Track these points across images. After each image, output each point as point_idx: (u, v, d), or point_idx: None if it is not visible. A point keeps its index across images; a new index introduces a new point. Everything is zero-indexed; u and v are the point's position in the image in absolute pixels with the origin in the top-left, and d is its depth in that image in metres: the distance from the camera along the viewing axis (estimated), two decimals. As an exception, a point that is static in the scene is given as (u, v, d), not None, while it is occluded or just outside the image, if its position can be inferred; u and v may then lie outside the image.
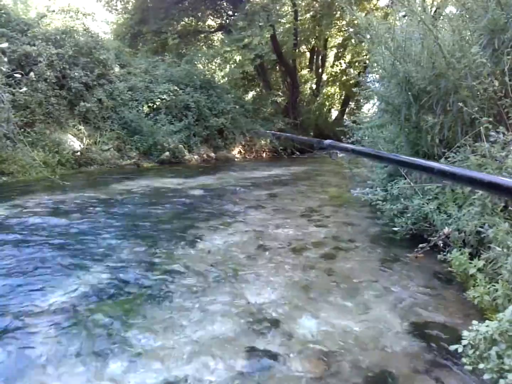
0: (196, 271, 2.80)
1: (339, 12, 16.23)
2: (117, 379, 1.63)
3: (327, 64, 21.63)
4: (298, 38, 16.79)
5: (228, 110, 12.66)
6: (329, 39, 19.99)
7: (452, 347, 1.63)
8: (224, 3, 17.10)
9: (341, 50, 21.32)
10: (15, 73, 7.70)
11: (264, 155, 14.39)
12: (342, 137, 5.73)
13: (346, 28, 17.87)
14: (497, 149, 2.53)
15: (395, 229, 3.42)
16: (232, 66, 15.58)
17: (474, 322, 1.62)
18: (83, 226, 3.89)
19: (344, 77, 21.06)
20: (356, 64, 19.04)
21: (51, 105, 8.58)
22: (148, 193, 5.98)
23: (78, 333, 1.95)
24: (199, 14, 17.25)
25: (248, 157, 13.52)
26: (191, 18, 17.61)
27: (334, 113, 24.39)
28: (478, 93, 3.00)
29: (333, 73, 22.15)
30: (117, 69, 11.17)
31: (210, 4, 16.78)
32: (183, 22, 17.61)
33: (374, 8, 15.83)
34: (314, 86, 20.56)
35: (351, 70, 14.88)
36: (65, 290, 2.42)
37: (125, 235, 3.68)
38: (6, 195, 5.27)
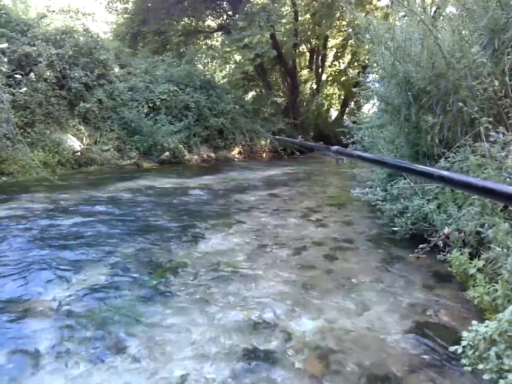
0: (196, 271, 2.80)
1: (339, 12, 16.25)
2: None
3: (327, 64, 21.63)
4: (298, 38, 16.80)
5: (228, 110, 12.67)
6: (329, 39, 20.00)
7: (451, 348, 1.63)
8: (224, 3, 17.11)
9: (341, 50, 21.33)
10: (15, 74, 7.71)
11: (264, 155, 14.39)
12: (342, 137, 5.72)
13: (346, 29, 17.88)
14: (497, 149, 2.53)
15: (395, 229, 3.42)
16: (232, 66, 15.59)
17: (474, 322, 1.62)
18: (82, 226, 3.88)
19: (344, 77, 21.10)
20: (356, 64, 19.07)
21: (51, 105, 8.58)
22: (148, 193, 5.97)
23: (79, 332, 1.95)
24: (199, 14, 17.26)
25: (248, 157, 13.51)
26: (191, 18, 17.62)
27: (334, 113, 24.40)
28: (478, 93, 3.00)
29: (333, 73, 22.16)
30: (117, 69, 11.17)
31: (210, 4, 16.78)
32: (183, 22, 17.63)
33: (374, 8, 15.83)
34: (314, 86, 20.57)
35: (351, 70, 14.90)
36: (65, 290, 2.42)
37: (125, 235, 3.68)
38: (6, 195, 5.27)
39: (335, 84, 22.85)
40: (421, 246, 2.98)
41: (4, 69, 7.63)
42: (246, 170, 10.00)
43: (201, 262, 3.00)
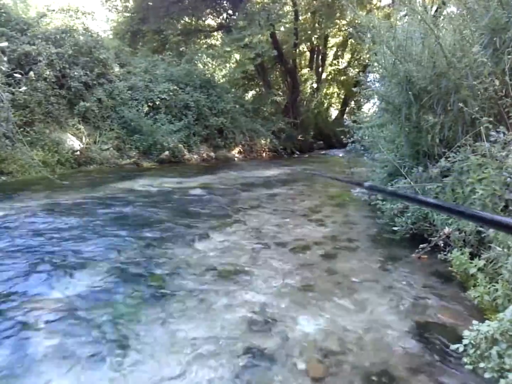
0: (195, 271, 2.79)
1: (339, 12, 16.23)
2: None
3: (327, 63, 21.63)
4: (298, 38, 16.79)
5: (228, 110, 12.66)
6: (329, 38, 19.99)
7: (453, 347, 1.63)
8: (224, 2, 17.08)
9: (341, 49, 21.33)
10: (14, 73, 7.70)
11: (264, 154, 14.38)
12: (342, 136, 5.72)
13: (346, 28, 17.86)
14: (498, 148, 2.53)
15: (395, 228, 3.42)
16: (232, 65, 15.58)
17: (475, 322, 1.62)
18: (82, 225, 3.88)
19: (344, 77, 21.10)
20: (356, 63, 19.06)
21: (51, 104, 8.57)
22: (148, 193, 5.97)
23: (81, 332, 1.95)
24: (199, 13, 17.24)
25: (248, 156, 13.50)
26: (191, 17, 17.60)
27: (334, 113, 24.41)
28: (479, 92, 2.99)
29: (333, 72, 22.16)
30: (116, 68, 11.16)
31: (210, 3, 16.76)
32: (183, 21, 17.61)
33: (375, 7, 15.82)
34: (314, 86, 20.56)
35: (351, 69, 14.91)
36: (64, 288, 2.42)
37: (125, 234, 3.67)
38: (6, 195, 5.26)
39: (335, 83, 22.85)
40: (421, 246, 2.98)
41: (4, 68, 7.62)
42: (246, 169, 9.99)
43: (201, 261, 3.00)
